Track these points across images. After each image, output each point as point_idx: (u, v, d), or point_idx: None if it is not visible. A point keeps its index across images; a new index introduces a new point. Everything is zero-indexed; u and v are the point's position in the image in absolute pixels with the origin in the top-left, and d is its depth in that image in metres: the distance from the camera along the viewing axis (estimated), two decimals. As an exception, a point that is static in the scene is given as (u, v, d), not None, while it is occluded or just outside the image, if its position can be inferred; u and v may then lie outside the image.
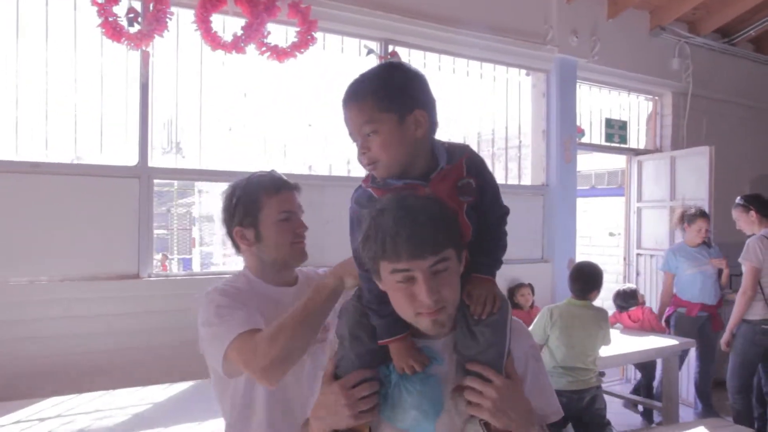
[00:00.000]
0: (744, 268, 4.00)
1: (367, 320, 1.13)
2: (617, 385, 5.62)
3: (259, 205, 1.51)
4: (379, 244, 1.02)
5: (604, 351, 3.52)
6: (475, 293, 1.12)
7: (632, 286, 4.93)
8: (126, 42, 3.20)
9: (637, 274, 5.82)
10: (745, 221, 4.14)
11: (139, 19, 3.25)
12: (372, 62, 4.17)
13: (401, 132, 1.09)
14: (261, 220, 1.51)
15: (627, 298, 4.64)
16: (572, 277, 3.47)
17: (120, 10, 3.19)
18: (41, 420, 2.53)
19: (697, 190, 5.17)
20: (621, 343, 4.00)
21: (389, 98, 1.09)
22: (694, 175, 5.26)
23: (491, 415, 1.04)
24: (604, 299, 5.97)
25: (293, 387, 1.50)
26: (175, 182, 5.07)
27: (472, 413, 1.06)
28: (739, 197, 4.23)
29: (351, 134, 1.16)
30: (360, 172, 4.32)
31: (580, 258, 4.57)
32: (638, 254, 5.81)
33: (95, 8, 3.10)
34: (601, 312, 3.47)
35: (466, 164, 1.16)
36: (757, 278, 3.93)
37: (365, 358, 1.11)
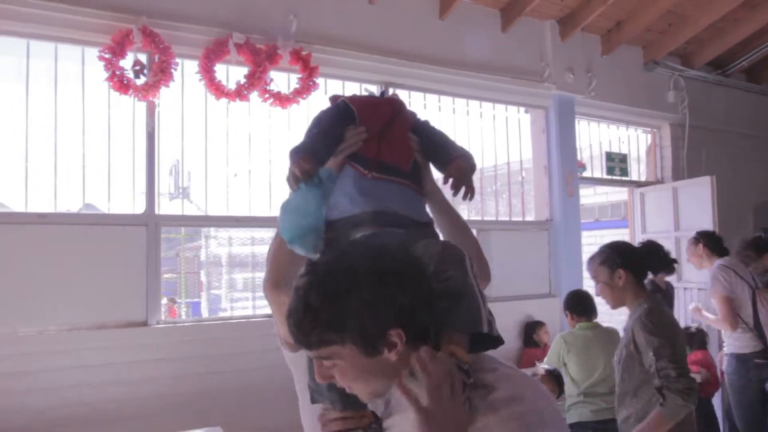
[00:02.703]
0: (715, 300, 3.92)
1: None
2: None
3: None
4: None
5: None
6: (452, 173, 1.34)
7: (696, 325, 4.54)
8: (133, 93, 3.29)
9: (646, 306, 5.76)
10: (693, 254, 4.16)
11: (145, 71, 3.34)
12: (373, 105, 4.24)
13: None
14: None
15: (692, 341, 4.27)
16: (572, 303, 3.46)
17: (126, 63, 3.28)
18: (50, 473, 2.50)
19: (701, 220, 5.17)
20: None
21: None
22: (696, 204, 5.27)
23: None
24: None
25: None
26: (183, 228, 5.11)
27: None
28: (695, 232, 4.26)
29: None
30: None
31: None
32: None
33: (102, 63, 3.20)
34: (614, 332, 3.40)
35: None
36: (731, 306, 3.81)
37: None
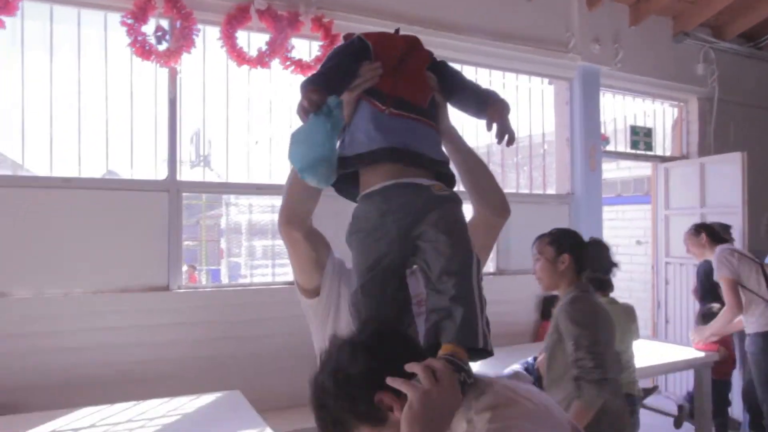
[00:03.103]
0: (722, 286, 3.89)
1: None
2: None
3: None
4: None
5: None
6: (494, 117, 1.32)
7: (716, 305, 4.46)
8: (155, 59, 3.29)
9: (666, 282, 5.73)
10: (694, 244, 4.14)
11: (167, 37, 3.34)
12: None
13: None
14: None
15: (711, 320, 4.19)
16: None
17: (148, 29, 3.28)
18: (75, 430, 2.58)
19: (729, 197, 5.09)
20: (649, 354, 3.93)
21: None
22: (725, 181, 5.17)
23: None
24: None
25: None
26: (204, 195, 5.15)
27: None
28: (690, 225, 4.25)
29: None
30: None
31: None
32: (667, 263, 5.73)
33: (125, 28, 3.20)
34: (629, 308, 3.38)
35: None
36: (737, 291, 3.80)
37: None
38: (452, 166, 1.42)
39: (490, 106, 1.34)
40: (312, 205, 1.45)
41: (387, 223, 1.24)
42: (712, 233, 4.11)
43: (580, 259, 2.52)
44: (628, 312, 3.35)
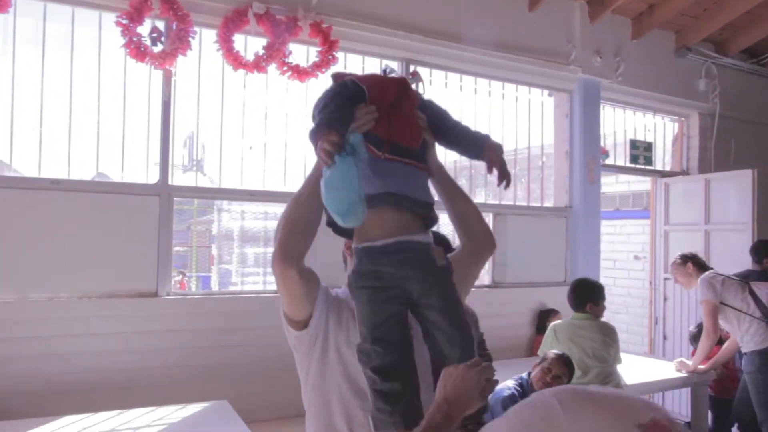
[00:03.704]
0: (703, 309, 3.89)
1: None
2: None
3: None
4: None
5: (628, 379, 3.41)
6: (494, 161, 1.39)
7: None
8: (149, 61, 3.24)
9: (665, 299, 5.67)
10: (682, 274, 4.14)
11: (163, 39, 3.29)
12: (393, 82, 4.16)
13: None
14: None
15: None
16: (569, 291, 3.42)
17: (144, 29, 3.23)
18: (56, 439, 2.51)
19: (737, 214, 5.05)
20: (646, 371, 3.88)
21: None
22: (732, 198, 5.13)
23: None
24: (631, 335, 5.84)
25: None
26: (196, 200, 5.09)
27: None
28: (676, 256, 4.27)
29: None
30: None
31: (603, 281, 4.47)
32: (665, 278, 5.67)
33: (120, 28, 3.15)
34: (607, 326, 3.35)
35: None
36: (715, 317, 3.82)
37: None
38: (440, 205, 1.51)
39: (488, 151, 1.41)
40: (309, 243, 1.44)
41: (396, 289, 1.32)
42: (698, 262, 4.12)
43: None
44: (604, 330, 3.32)
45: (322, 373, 1.48)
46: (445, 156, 4.60)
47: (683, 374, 3.90)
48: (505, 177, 1.40)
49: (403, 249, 1.32)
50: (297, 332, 1.50)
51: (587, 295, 3.34)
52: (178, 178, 3.96)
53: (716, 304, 3.82)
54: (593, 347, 3.17)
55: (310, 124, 1.34)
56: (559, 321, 3.49)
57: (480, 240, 1.60)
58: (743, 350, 3.92)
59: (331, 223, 1.37)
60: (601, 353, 3.17)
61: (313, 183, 1.39)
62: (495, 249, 1.62)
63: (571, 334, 3.25)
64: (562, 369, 2.86)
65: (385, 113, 1.34)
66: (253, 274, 3.91)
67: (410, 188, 1.34)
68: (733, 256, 4.58)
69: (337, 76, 1.43)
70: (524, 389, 2.87)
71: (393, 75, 1.51)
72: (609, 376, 3.19)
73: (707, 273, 3.97)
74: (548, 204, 5.02)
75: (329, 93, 1.36)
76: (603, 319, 3.48)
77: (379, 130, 1.33)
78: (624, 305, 7.72)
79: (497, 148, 1.41)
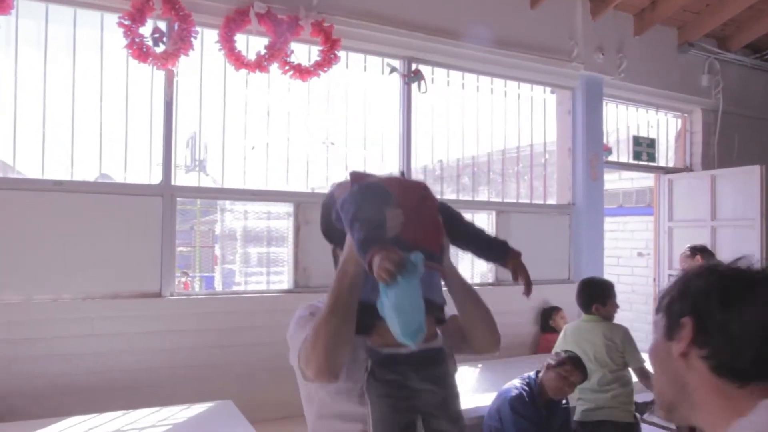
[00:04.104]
0: None
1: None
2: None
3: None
4: None
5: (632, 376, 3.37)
6: (519, 272, 1.46)
7: None
8: (152, 62, 3.24)
9: (669, 295, 5.65)
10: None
11: (164, 39, 3.29)
12: (395, 80, 4.16)
13: None
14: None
15: None
16: (576, 292, 3.33)
17: (146, 30, 3.23)
18: (61, 440, 2.51)
19: (744, 210, 5.03)
20: (651, 367, 3.85)
21: None
22: (738, 194, 5.11)
23: None
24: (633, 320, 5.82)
25: None
26: (198, 200, 5.09)
27: None
28: (686, 248, 4.29)
29: None
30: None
31: (607, 278, 4.45)
32: (670, 275, 5.65)
33: (122, 29, 3.15)
34: (614, 327, 3.19)
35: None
36: None
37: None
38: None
39: (511, 259, 1.47)
40: (350, 351, 1.37)
41: (415, 400, 1.34)
42: (707, 255, 4.14)
43: None
44: (610, 332, 3.17)
45: (330, 405, 1.45)
46: (448, 155, 4.58)
47: None
48: (530, 286, 1.46)
49: (425, 358, 1.34)
50: (307, 382, 1.46)
51: (593, 296, 3.22)
52: (181, 178, 3.96)
53: None
54: (595, 351, 3.09)
55: (337, 223, 1.34)
56: (572, 322, 3.42)
57: (483, 348, 1.57)
58: None
59: (326, 233, 1.39)
60: (603, 357, 3.08)
61: (348, 292, 1.34)
62: (498, 348, 1.58)
63: (577, 336, 3.20)
64: (579, 377, 2.84)
65: (409, 216, 1.33)
66: (257, 274, 3.91)
67: (430, 291, 1.35)
68: (741, 251, 4.55)
69: (356, 177, 1.39)
70: (532, 389, 2.85)
71: (412, 181, 1.53)
72: (611, 383, 3.08)
73: None
74: (551, 201, 5.01)
75: (357, 197, 1.32)
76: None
77: (406, 234, 1.30)
78: (628, 302, 7.69)
79: (518, 256, 1.47)
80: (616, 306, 3.27)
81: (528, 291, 1.45)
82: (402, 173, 1.48)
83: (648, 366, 2.96)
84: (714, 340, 0.86)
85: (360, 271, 1.33)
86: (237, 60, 3.46)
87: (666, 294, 0.95)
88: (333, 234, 1.45)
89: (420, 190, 1.42)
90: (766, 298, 0.86)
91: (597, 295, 3.22)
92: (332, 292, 1.35)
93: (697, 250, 4.17)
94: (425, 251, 1.27)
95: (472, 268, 4.52)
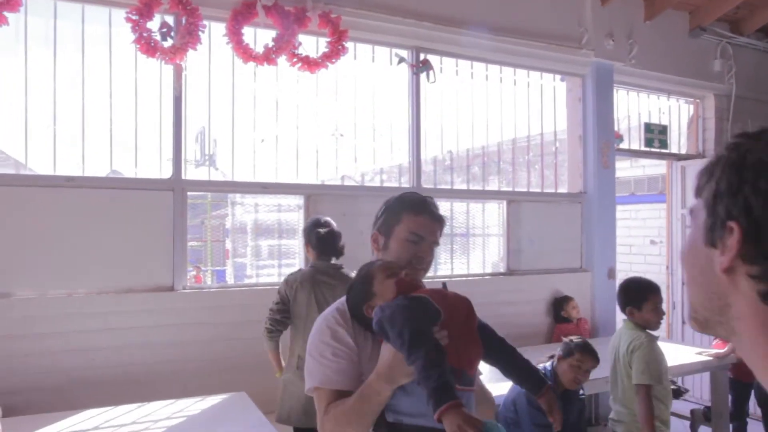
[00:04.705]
0: None
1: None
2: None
3: (398, 219, 1.56)
4: None
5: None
6: (554, 409, 1.44)
7: None
8: (160, 56, 3.24)
9: (682, 283, 5.61)
10: None
11: (172, 34, 3.29)
12: (403, 70, 4.14)
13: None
14: (394, 233, 1.55)
15: None
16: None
17: (153, 25, 3.23)
18: (78, 433, 2.54)
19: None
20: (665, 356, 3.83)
21: None
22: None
23: None
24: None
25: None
26: (209, 194, 5.11)
27: None
28: None
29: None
30: (392, 182, 4.23)
31: (620, 267, 4.41)
32: (682, 263, 5.60)
33: (129, 24, 3.15)
34: (636, 337, 2.84)
35: None
36: None
37: None
38: None
39: (546, 394, 1.46)
40: None
41: None
42: None
43: None
44: (628, 341, 2.89)
45: None
46: (458, 145, 4.55)
47: (705, 358, 3.86)
48: (561, 422, 1.45)
49: None
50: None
51: (628, 298, 2.89)
52: (191, 173, 3.98)
53: None
54: (614, 360, 2.90)
55: (377, 329, 1.31)
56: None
57: None
58: None
59: (353, 310, 1.42)
60: (622, 368, 2.87)
61: (375, 412, 1.33)
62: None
63: (613, 341, 3.00)
64: (591, 362, 2.79)
65: (455, 337, 1.30)
66: (268, 266, 3.91)
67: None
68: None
69: (401, 285, 1.37)
70: (548, 377, 2.83)
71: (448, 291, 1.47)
72: (615, 401, 2.93)
73: None
74: (562, 190, 4.97)
75: (406, 310, 1.29)
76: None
77: (451, 359, 1.26)
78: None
79: (551, 390, 1.47)
80: (657, 312, 2.85)
81: (559, 426, 1.44)
82: (444, 285, 1.44)
83: (644, 382, 2.72)
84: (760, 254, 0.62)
85: (390, 394, 1.31)
86: (245, 53, 3.46)
87: (709, 175, 0.69)
88: (360, 316, 1.43)
89: (465, 308, 1.39)
90: None
91: (632, 298, 2.87)
92: (359, 409, 1.34)
93: None
94: (464, 376, 1.30)
95: (483, 257, 4.51)
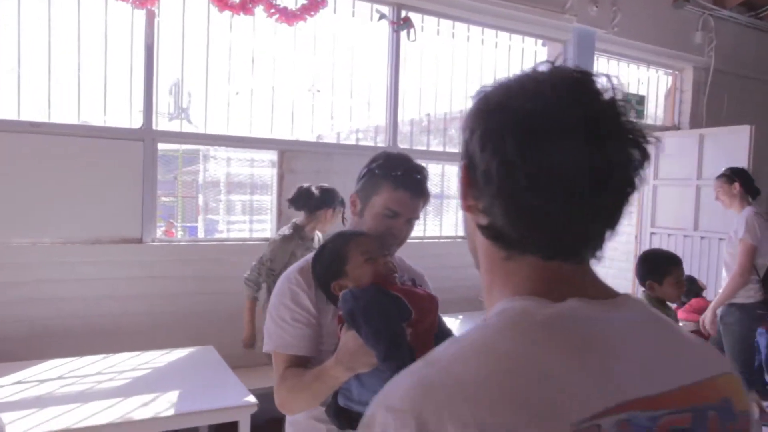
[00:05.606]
0: (741, 247, 3.69)
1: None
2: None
3: (378, 188, 1.47)
4: None
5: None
6: None
7: (689, 275, 4.20)
8: (131, 1, 3.12)
9: (650, 252, 5.71)
10: (726, 192, 3.87)
11: (144, -23, 3.16)
12: (384, 27, 4.06)
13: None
14: (370, 202, 1.48)
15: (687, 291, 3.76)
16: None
17: (124, -33, 3.10)
18: (41, 381, 2.52)
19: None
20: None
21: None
22: (725, 154, 5.08)
23: None
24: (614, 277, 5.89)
25: None
26: (181, 148, 5.01)
27: None
28: (725, 168, 3.98)
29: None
30: (368, 141, 4.18)
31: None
32: (652, 233, 5.70)
33: (99, -36, 3.02)
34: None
35: None
36: (753, 256, 3.67)
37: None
38: None
39: None
40: None
41: None
42: (747, 184, 3.80)
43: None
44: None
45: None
46: (436, 108, 4.49)
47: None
48: None
49: None
50: None
51: (646, 271, 2.69)
52: (165, 126, 3.89)
53: (754, 246, 3.65)
54: None
55: (347, 317, 1.26)
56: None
57: None
58: (732, 300, 3.88)
59: (320, 282, 1.36)
60: None
61: (327, 393, 1.32)
62: None
63: None
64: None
65: (418, 335, 1.27)
66: (240, 222, 3.88)
67: None
68: (725, 211, 4.56)
69: (378, 275, 1.32)
70: None
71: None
72: None
73: (752, 211, 3.74)
74: (538, 157, 4.97)
75: (382, 307, 1.25)
76: None
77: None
78: (609, 259, 7.76)
79: None
80: (680, 286, 2.65)
81: None
82: (414, 282, 1.39)
83: None
84: (481, 193, 0.62)
85: (344, 380, 1.30)
86: (221, 2, 3.34)
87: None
88: (328, 293, 1.37)
89: (434, 309, 1.35)
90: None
91: (650, 270, 2.67)
92: (314, 387, 1.33)
93: (736, 177, 3.85)
94: None
95: (456, 219, 4.53)
